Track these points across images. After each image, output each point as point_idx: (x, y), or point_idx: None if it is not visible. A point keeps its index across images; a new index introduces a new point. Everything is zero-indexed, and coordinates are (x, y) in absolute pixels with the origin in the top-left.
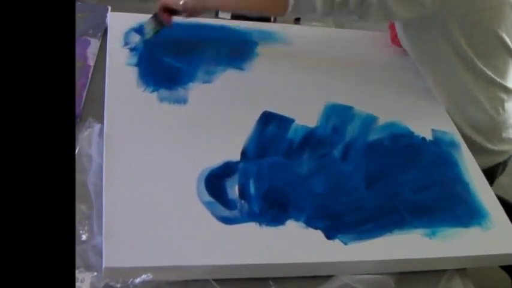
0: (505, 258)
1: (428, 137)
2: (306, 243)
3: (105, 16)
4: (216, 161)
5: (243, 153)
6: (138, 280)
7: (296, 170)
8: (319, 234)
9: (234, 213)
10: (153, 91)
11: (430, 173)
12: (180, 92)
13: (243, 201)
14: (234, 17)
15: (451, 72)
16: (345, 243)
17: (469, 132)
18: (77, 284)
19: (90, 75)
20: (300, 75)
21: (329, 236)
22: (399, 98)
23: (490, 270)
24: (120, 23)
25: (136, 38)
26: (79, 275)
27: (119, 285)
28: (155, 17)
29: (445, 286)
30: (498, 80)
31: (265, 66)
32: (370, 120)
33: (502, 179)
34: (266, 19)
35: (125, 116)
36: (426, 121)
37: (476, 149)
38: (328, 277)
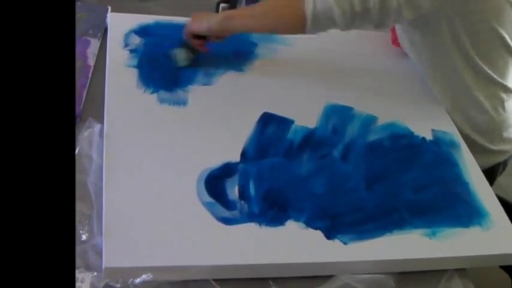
0: (505, 258)
1: (429, 137)
2: (305, 244)
3: (105, 16)
4: (216, 161)
5: (243, 154)
6: (138, 280)
7: (296, 171)
8: (319, 234)
9: (234, 213)
10: (153, 92)
11: (430, 173)
12: (180, 93)
13: (242, 202)
14: None
15: (451, 72)
16: (345, 243)
17: (469, 132)
18: (77, 284)
19: (90, 75)
20: (300, 76)
21: (329, 236)
22: (399, 98)
23: (490, 270)
24: (120, 24)
25: (136, 40)
26: (79, 275)
27: (118, 285)
28: (186, 45)
29: (445, 286)
30: (498, 79)
31: (265, 67)
32: (370, 120)
33: (501, 179)
34: None
35: (125, 117)
36: (426, 121)
37: (476, 149)
38: (328, 277)
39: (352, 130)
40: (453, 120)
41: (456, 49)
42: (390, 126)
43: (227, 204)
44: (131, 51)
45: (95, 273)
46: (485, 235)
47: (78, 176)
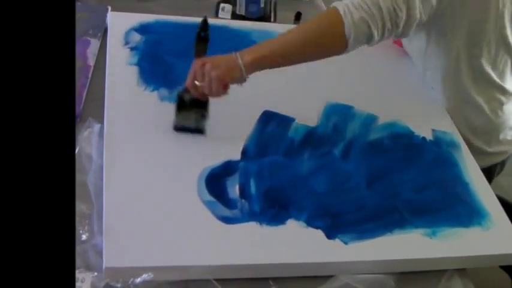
0: (505, 258)
1: (429, 136)
2: (306, 243)
3: (105, 16)
4: (216, 160)
5: (244, 153)
6: (138, 280)
7: (296, 169)
8: (319, 233)
9: (235, 212)
10: (153, 90)
11: (430, 173)
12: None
13: (243, 201)
14: (234, 16)
15: (453, 74)
16: (346, 243)
17: (466, 134)
18: (78, 284)
19: (90, 75)
20: (300, 75)
21: (329, 235)
22: (399, 97)
23: (490, 270)
24: (120, 23)
25: (136, 38)
26: (79, 275)
27: (119, 285)
28: (193, 104)
29: (445, 286)
30: (498, 81)
31: None
32: (370, 119)
33: (501, 179)
34: (266, 19)
35: (125, 115)
36: (426, 121)
37: (473, 150)
38: (328, 277)
39: (352, 129)
40: None
41: (459, 51)
42: (390, 125)
43: (228, 203)
44: (131, 49)
45: (95, 273)
46: (485, 235)
47: (78, 176)
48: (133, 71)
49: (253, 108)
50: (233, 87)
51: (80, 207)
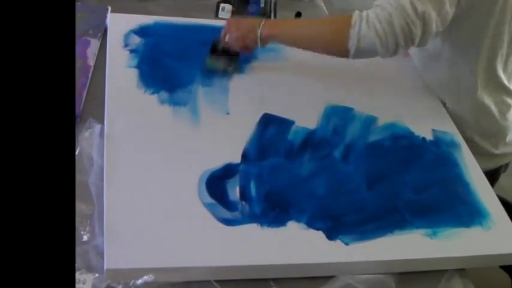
0: (506, 258)
1: (429, 137)
2: (307, 244)
3: (105, 16)
4: (217, 162)
5: (244, 155)
6: (139, 281)
7: (297, 172)
8: (320, 235)
9: (235, 214)
10: (153, 93)
11: (431, 173)
12: (180, 93)
13: (244, 203)
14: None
15: (465, 77)
16: (346, 244)
17: (474, 137)
18: (79, 286)
19: (90, 75)
20: (300, 77)
21: (330, 236)
22: (399, 98)
23: (490, 270)
24: (120, 25)
25: (136, 40)
26: (80, 276)
27: (120, 287)
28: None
29: (445, 286)
30: (507, 84)
31: (265, 67)
32: (370, 121)
33: (502, 180)
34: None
35: (126, 117)
36: (426, 121)
37: (481, 152)
38: (329, 278)
39: (352, 131)
40: (458, 124)
41: (479, 54)
42: (390, 126)
43: (228, 205)
44: (131, 51)
45: (97, 275)
46: (486, 235)
47: (79, 177)
48: (133, 73)
49: (252, 111)
50: (233, 88)
51: (81, 207)
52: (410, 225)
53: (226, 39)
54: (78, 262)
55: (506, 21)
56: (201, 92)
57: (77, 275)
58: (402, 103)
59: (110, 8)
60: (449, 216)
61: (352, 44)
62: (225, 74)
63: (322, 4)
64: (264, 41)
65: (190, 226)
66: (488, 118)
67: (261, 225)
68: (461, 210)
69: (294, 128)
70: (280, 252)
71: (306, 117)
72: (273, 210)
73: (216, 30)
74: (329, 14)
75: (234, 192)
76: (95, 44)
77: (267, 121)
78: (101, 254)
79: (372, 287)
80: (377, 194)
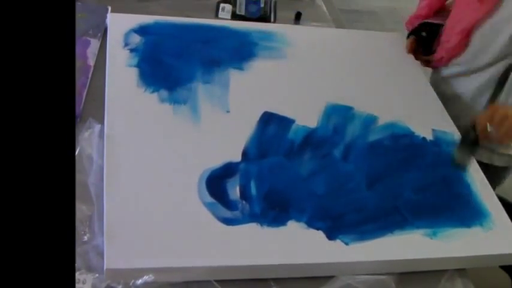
0: (506, 258)
1: (429, 137)
2: (307, 244)
3: (105, 16)
4: (217, 161)
5: (244, 154)
6: (139, 281)
7: (297, 171)
8: (320, 234)
9: (235, 214)
10: (153, 92)
11: (431, 173)
12: (180, 92)
13: (244, 202)
14: (234, 16)
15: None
16: (346, 244)
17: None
18: (79, 286)
19: (90, 75)
20: (300, 76)
21: (330, 236)
22: (399, 98)
23: (490, 270)
24: (119, 24)
25: (136, 39)
26: (80, 276)
27: (120, 287)
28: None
29: (445, 286)
30: None
31: (265, 66)
32: (370, 120)
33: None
34: (266, 19)
35: (126, 116)
36: (426, 121)
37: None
38: (329, 278)
39: (352, 130)
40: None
41: None
42: (391, 126)
43: (228, 204)
44: (131, 50)
45: (97, 275)
46: (486, 235)
47: (78, 177)
48: (133, 72)
49: (253, 109)
50: (233, 87)
51: (81, 208)
52: (411, 225)
53: (489, 130)
54: (78, 262)
55: None
56: (201, 90)
57: (77, 275)
58: (402, 102)
59: (110, 8)
60: (449, 217)
61: None
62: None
63: (322, 4)
64: None
65: (190, 225)
66: None
67: (261, 225)
68: (461, 210)
69: (294, 126)
70: (280, 252)
71: (306, 115)
72: (273, 210)
73: (216, 30)
74: (332, 14)
75: (234, 191)
76: (95, 44)
77: (267, 119)
78: (100, 254)
79: (371, 287)
80: (377, 193)
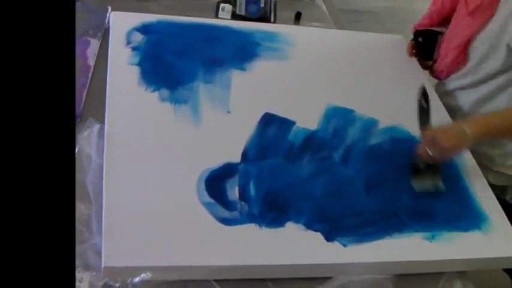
0: (504, 262)
1: None
2: (305, 245)
3: (105, 16)
4: (216, 161)
5: (244, 155)
6: (137, 279)
7: (296, 173)
8: (318, 236)
9: (234, 214)
10: (154, 90)
11: None
12: (181, 91)
13: (243, 203)
14: (234, 16)
15: None
16: (345, 246)
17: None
18: (76, 284)
19: (90, 75)
20: (302, 77)
21: (328, 238)
22: (401, 101)
23: (490, 271)
24: (122, 22)
25: (138, 37)
26: (78, 274)
27: (117, 285)
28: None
29: (444, 286)
30: None
31: (267, 67)
32: (370, 123)
33: None
34: (266, 19)
35: (126, 115)
36: None
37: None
38: (327, 278)
39: (353, 133)
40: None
41: None
42: (391, 130)
43: (227, 204)
44: (133, 48)
45: (94, 273)
46: (485, 238)
47: (77, 176)
48: (135, 71)
49: (253, 110)
50: (234, 87)
51: (79, 207)
52: (409, 228)
53: (431, 153)
54: (76, 261)
55: None
56: (202, 90)
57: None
58: (403, 106)
59: (110, 8)
60: (448, 220)
61: None
62: (437, 190)
63: (322, 4)
64: (477, 141)
65: (188, 225)
66: None
67: (260, 226)
68: (460, 213)
69: (294, 128)
70: (278, 252)
71: (306, 117)
72: (272, 211)
73: (218, 30)
74: (332, 14)
75: (233, 191)
76: (95, 44)
77: (268, 121)
78: (98, 253)
79: None
80: (376, 197)
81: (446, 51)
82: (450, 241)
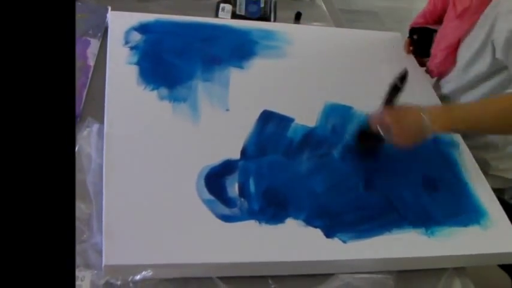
0: (503, 257)
1: None
2: (305, 242)
3: (105, 16)
4: (216, 159)
5: (243, 152)
6: (138, 277)
7: (295, 169)
8: (318, 232)
9: (234, 211)
10: (153, 89)
11: (429, 172)
12: (180, 90)
13: (242, 200)
14: (234, 16)
15: None
16: (344, 242)
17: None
18: (77, 283)
19: (90, 75)
20: (300, 75)
21: (328, 234)
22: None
23: (490, 270)
24: (120, 22)
25: (136, 37)
26: (79, 273)
27: (119, 283)
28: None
29: (445, 285)
30: None
31: (265, 65)
32: None
33: None
34: (266, 19)
35: (125, 114)
36: None
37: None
38: (328, 276)
39: (351, 129)
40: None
41: None
42: None
43: (227, 201)
44: (131, 48)
45: (95, 272)
46: (484, 234)
47: (77, 176)
48: (133, 70)
49: (252, 107)
50: (233, 85)
51: (80, 206)
52: (408, 224)
53: (382, 133)
54: (77, 260)
55: None
56: (201, 88)
57: (76, 272)
58: (402, 103)
59: (110, 8)
60: (447, 215)
61: None
62: (374, 152)
63: (322, 4)
64: (436, 133)
65: (188, 222)
66: None
67: (259, 222)
68: (459, 209)
69: (293, 125)
70: (278, 249)
71: (305, 114)
72: (272, 207)
73: (217, 28)
74: (332, 14)
75: (233, 188)
76: (95, 44)
77: (267, 118)
78: (99, 252)
79: (371, 286)
80: (375, 192)
81: (435, 51)
82: (449, 236)
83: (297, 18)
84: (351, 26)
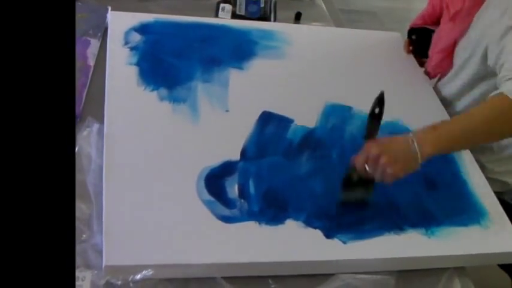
0: (504, 257)
1: None
2: (305, 242)
3: (105, 16)
4: (215, 160)
5: (243, 153)
6: (138, 276)
7: (295, 170)
8: (318, 233)
9: (234, 212)
10: (153, 90)
11: (429, 172)
12: (179, 91)
13: (242, 201)
14: (234, 16)
15: None
16: (344, 243)
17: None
18: (78, 283)
19: (90, 75)
20: (300, 75)
21: (328, 235)
22: (399, 98)
23: (490, 270)
24: (120, 22)
25: (136, 37)
26: (79, 273)
27: (119, 282)
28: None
29: (445, 285)
30: None
31: (265, 65)
32: None
33: None
34: (266, 19)
35: (125, 114)
36: (426, 121)
37: None
38: (328, 276)
39: (351, 130)
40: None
41: None
42: (390, 126)
43: (227, 202)
44: (131, 48)
45: (95, 272)
46: (484, 234)
47: (77, 176)
48: (133, 71)
49: (252, 108)
50: (232, 86)
51: (80, 206)
52: (408, 224)
53: (369, 170)
54: (77, 260)
55: None
56: (200, 89)
57: (76, 273)
58: (402, 103)
59: (109, 8)
60: (447, 215)
61: None
62: (363, 203)
63: (322, 4)
64: (427, 159)
65: (188, 223)
66: None
67: (259, 223)
68: (459, 209)
69: (293, 126)
70: (278, 249)
71: (305, 115)
72: (271, 208)
73: (216, 28)
74: (332, 14)
75: (233, 189)
76: (95, 44)
77: (266, 119)
78: (99, 252)
79: (371, 286)
80: (374, 193)
81: (432, 53)
82: (450, 236)
83: (297, 18)
84: (350, 26)
